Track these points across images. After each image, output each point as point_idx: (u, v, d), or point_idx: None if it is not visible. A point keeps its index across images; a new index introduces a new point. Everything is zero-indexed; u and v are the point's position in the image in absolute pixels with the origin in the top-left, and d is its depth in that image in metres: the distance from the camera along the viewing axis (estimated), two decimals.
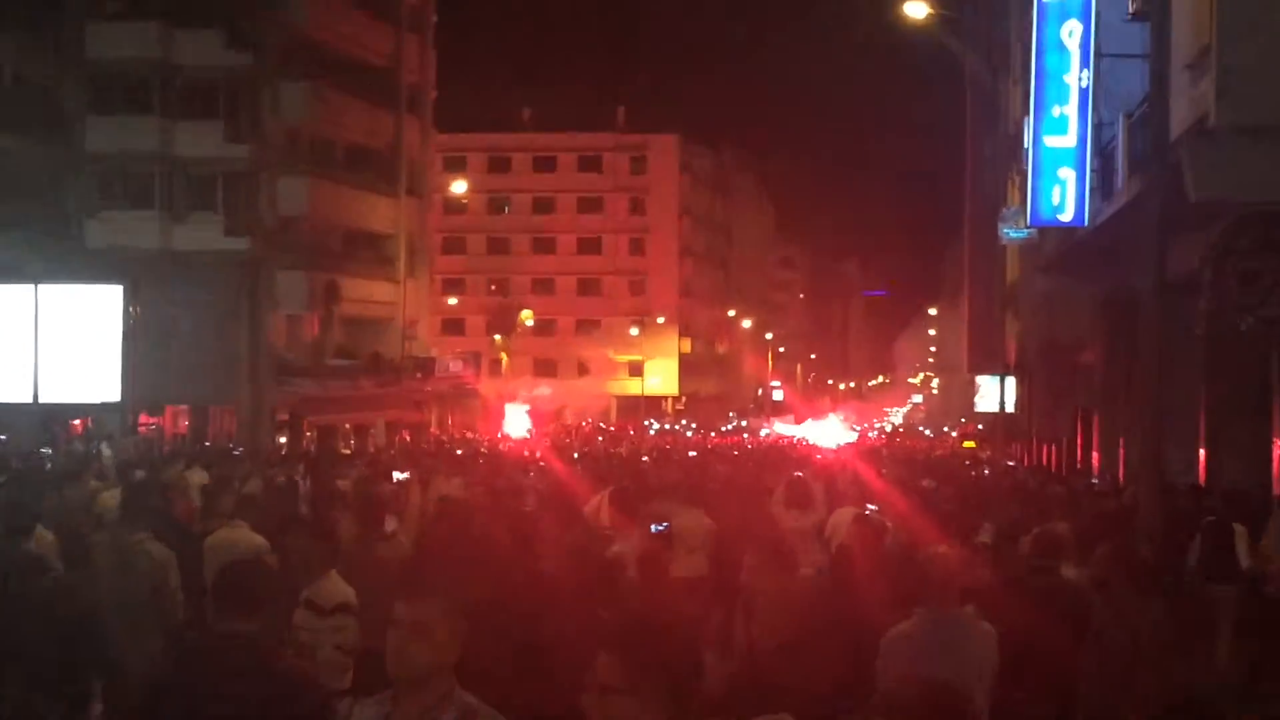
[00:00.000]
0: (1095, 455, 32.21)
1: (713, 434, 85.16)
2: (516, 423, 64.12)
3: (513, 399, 75.98)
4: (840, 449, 44.36)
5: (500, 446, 47.95)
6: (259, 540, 11.59)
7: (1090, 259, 26.33)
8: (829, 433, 54.57)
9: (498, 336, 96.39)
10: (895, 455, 41.84)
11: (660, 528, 11.97)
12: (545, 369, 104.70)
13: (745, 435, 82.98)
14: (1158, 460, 15.11)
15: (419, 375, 64.90)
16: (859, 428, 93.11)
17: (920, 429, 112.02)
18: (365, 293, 60.57)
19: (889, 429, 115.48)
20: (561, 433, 72.19)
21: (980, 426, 67.39)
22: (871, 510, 14.97)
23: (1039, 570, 9.89)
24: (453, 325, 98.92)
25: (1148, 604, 8.69)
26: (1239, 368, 20.90)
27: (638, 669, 3.91)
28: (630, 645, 3.99)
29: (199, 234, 51.35)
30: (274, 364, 52.35)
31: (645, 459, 31.89)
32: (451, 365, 73.70)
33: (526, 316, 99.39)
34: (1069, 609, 9.19)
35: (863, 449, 46.18)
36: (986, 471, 32.64)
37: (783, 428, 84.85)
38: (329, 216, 57.44)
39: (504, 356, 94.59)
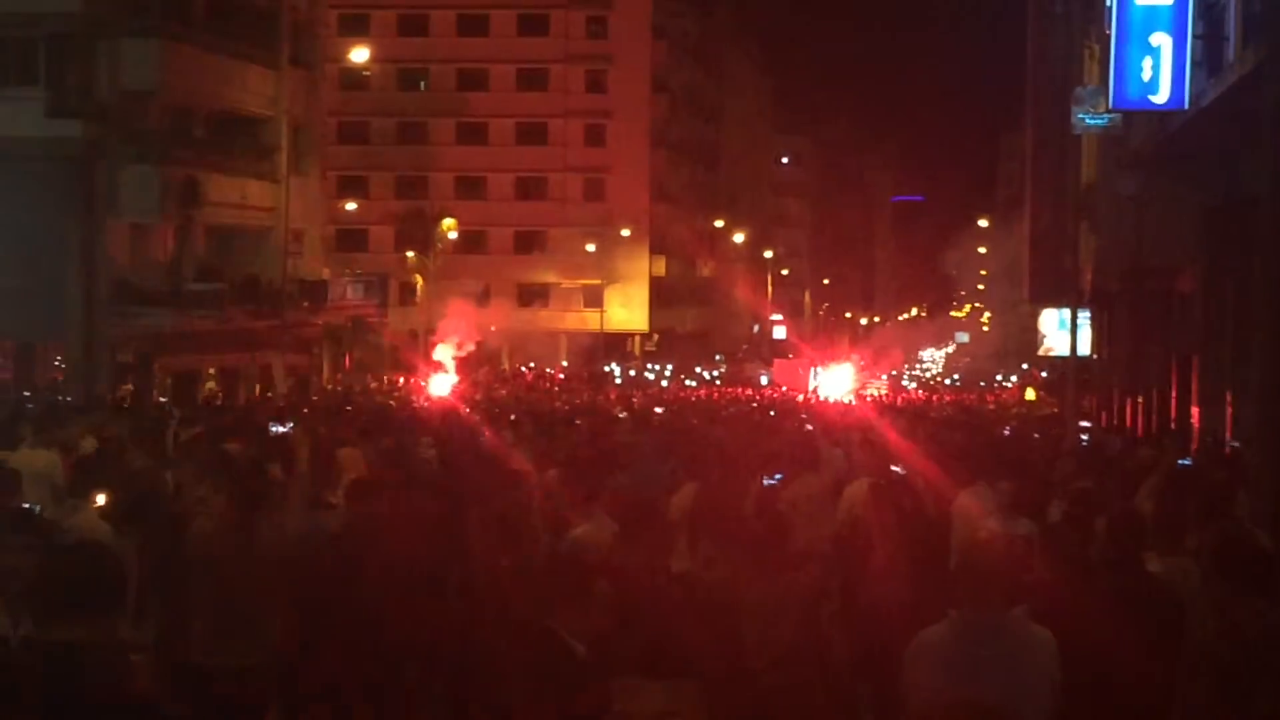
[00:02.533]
0: (1195, 411, 32.37)
1: (689, 383, 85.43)
2: (448, 369, 63.61)
3: (436, 340, 75.94)
4: (857, 406, 44.50)
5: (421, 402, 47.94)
6: (104, 527, 11.66)
7: (1191, 154, 26.35)
8: (841, 384, 54.51)
9: (411, 254, 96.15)
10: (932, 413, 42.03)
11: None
12: (473, 298, 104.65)
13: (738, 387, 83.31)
14: (1277, 418, 15.19)
15: (307, 304, 64.67)
16: (884, 377, 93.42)
17: (955, 379, 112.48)
18: (236, 194, 60.19)
19: (928, 376, 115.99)
20: (497, 382, 72.22)
21: (1045, 374, 67.71)
22: (897, 473, 15.08)
23: (1116, 562, 9.95)
24: (352, 238, 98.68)
25: (1263, 607, 8.74)
26: None
27: None
28: None
29: (13, 115, 50.89)
30: (114, 289, 52.10)
31: (618, 417, 31.89)
32: (350, 291, 73.43)
33: (449, 227, 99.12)
34: (1156, 612, 9.25)
35: (888, 406, 46.37)
36: (1056, 432, 32.82)
37: (780, 376, 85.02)
38: (188, 93, 57.02)
39: (419, 279, 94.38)
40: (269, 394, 52.76)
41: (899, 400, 64.75)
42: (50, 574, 5.59)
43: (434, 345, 64.91)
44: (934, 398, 74.85)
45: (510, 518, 10.32)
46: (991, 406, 60.10)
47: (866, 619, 9.38)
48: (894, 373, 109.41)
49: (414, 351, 79.98)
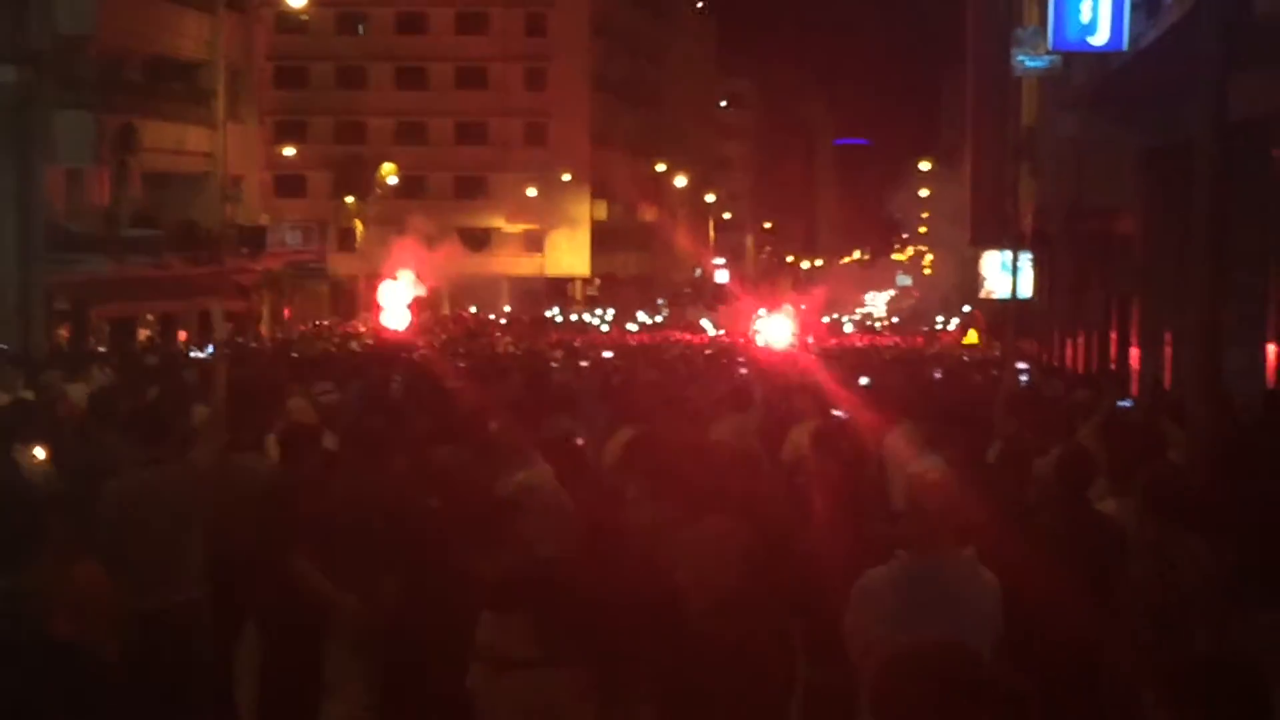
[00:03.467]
0: (1134, 353, 32.54)
1: (631, 327, 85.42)
2: (396, 310, 62.88)
3: (373, 280, 75.51)
4: (797, 350, 44.44)
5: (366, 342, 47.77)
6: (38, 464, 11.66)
7: (1131, 96, 26.41)
8: (781, 329, 54.30)
9: (350, 199, 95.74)
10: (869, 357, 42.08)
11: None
12: (412, 243, 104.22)
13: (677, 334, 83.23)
14: (1215, 360, 15.22)
15: (246, 250, 64.42)
16: (826, 320, 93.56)
17: (894, 321, 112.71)
18: (173, 140, 59.84)
19: (871, 322, 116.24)
20: (438, 327, 72.10)
21: (985, 317, 67.89)
22: (838, 417, 15.12)
23: (1063, 500, 9.95)
24: (290, 184, 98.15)
25: (1198, 547, 8.78)
26: None
27: None
28: None
29: None
30: (50, 234, 51.72)
31: (553, 364, 31.77)
32: (289, 237, 73.23)
33: (388, 172, 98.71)
34: (1101, 552, 9.26)
35: (829, 351, 46.40)
36: (995, 373, 32.92)
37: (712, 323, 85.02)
38: (123, 37, 56.58)
39: (358, 225, 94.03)
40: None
41: (840, 344, 64.82)
42: None
43: (377, 287, 64.66)
44: (875, 341, 75.02)
45: (445, 465, 10.31)
46: (931, 350, 60.25)
47: (807, 563, 9.36)
48: (835, 316, 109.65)
49: (354, 298, 79.77)
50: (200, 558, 10.87)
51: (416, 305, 64.80)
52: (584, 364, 30.49)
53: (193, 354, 22.09)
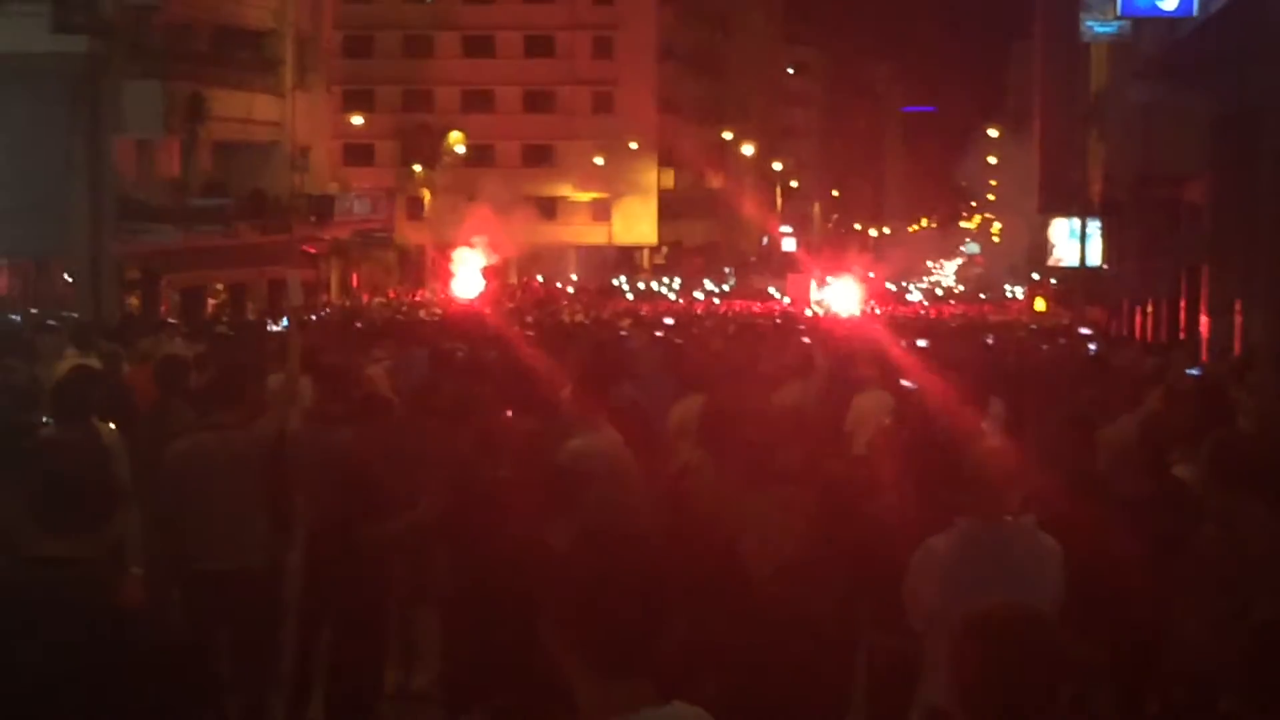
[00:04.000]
0: (1204, 321, 32.36)
1: (698, 295, 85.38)
2: (469, 278, 62.59)
3: (441, 248, 75.64)
4: (862, 318, 44.29)
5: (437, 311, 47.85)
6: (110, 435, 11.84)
7: (1201, 62, 26.22)
8: (846, 297, 54.04)
9: (418, 167, 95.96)
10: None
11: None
12: (480, 212, 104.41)
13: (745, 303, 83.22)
14: None
15: (314, 219, 64.64)
16: (893, 288, 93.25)
17: (962, 288, 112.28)
18: (241, 109, 60.06)
19: (939, 290, 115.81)
20: (507, 295, 72.24)
21: (1055, 283, 67.61)
22: (908, 387, 15.10)
23: (1150, 466, 9.94)
24: (358, 153, 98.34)
25: (1265, 516, 8.73)
26: None
27: None
28: None
29: (18, 30, 50.66)
30: (120, 204, 52.03)
31: (622, 333, 31.79)
32: (356, 206, 73.35)
33: (456, 141, 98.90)
34: (1183, 521, 9.22)
35: (896, 319, 46.25)
36: (1063, 342, 32.78)
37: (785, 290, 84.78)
38: (191, 6, 56.84)
39: (426, 194, 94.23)
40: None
41: (907, 313, 64.67)
42: (38, 485, 5.56)
43: (445, 255, 64.69)
44: (941, 309, 74.79)
45: (495, 432, 10.40)
46: (998, 318, 60.04)
47: (871, 531, 9.38)
48: (903, 284, 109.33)
49: (422, 266, 79.90)
50: (263, 526, 10.92)
51: (486, 274, 64.93)
52: (657, 334, 30.51)
53: (269, 327, 22.39)
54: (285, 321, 19.48)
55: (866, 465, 10.83)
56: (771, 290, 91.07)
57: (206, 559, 10.51)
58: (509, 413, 12.46)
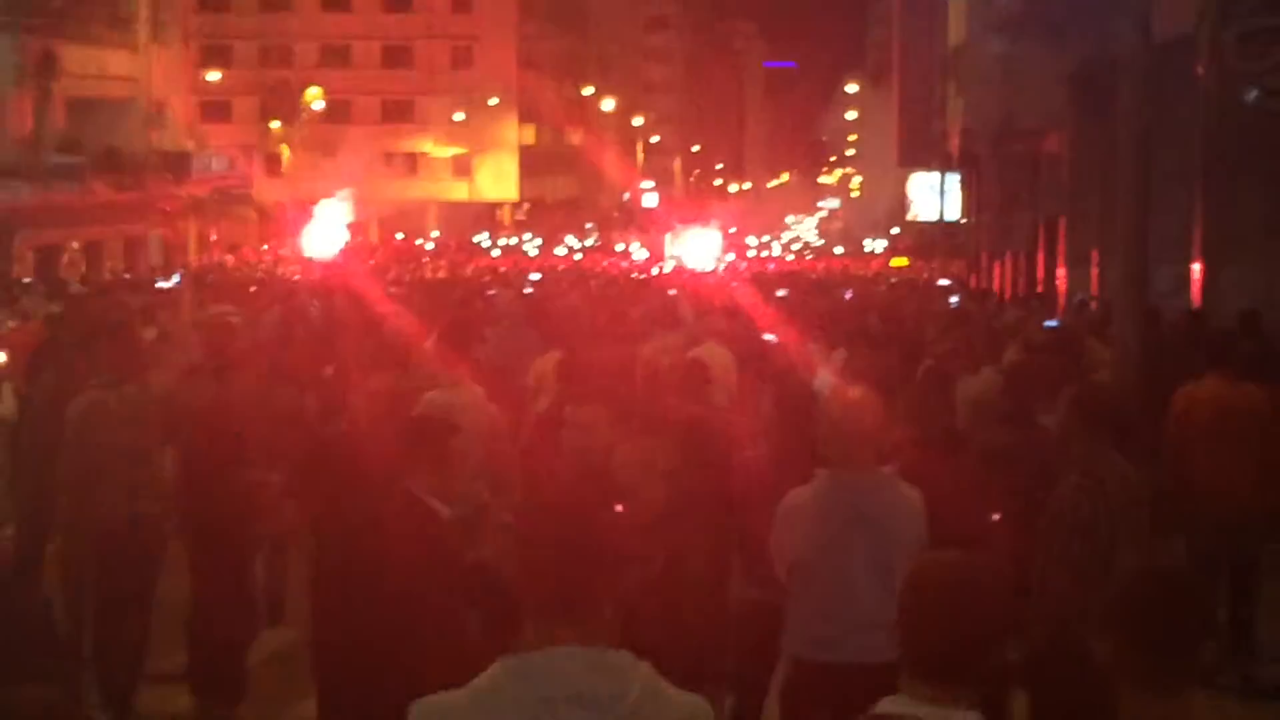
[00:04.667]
0: (1061, 273, 32.69)
1: (559, 251, 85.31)
2: (329, 235, 61.37)
3: (300, 205, 74.91)
4: (722, 273, 44.36)
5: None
6: None
7: (1058, 16, 26.40)
8: (705, 252, 53.88)
9: (276, 124, 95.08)
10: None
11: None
12: (339, 168, 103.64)
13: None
14: (1141, 278, 15.31)
15: (171, 176, 63.94)
16: (753, 242, 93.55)
17: (822, 243, 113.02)
18: (96, 65, 59.26)
19: (799, 245, 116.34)
20: (368, 252, 71.80)
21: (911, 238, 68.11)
22: (767, 340, 15.15)
23: (1011, 414, 10.03)
24: (215, 109, 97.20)
25: (1123, 464, 8.82)
26: (1243, 156, 21.19)
27: None
28: None
29: None
30: None
31: (491, 291, 31.68)
32: (215, 163, 72.63)
33: (314, 97, 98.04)
34: (1047, 470, 9.31)
35: (755, 274, 46.39)
36: (921, 295, 33.02)
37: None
38: None
39: (285, 150, 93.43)
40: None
41: (766, 268, 64.85)
42: None
43: (304, 212, 63.98)
44: (801, 264, 75.14)
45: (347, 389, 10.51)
46: (857, 273, 60.42)
47: (735, 481, 9.40)
48: (764, 239, 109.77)
49: (282, 224, 79.11)
50: (162, 475, 11.19)
51: (349, 231, 64.28)
52: (526, 291, 30.48)
53: (159, 284, 22.39)
54: (177, 278, 19.47)
55: (726, 417, 10.88)
56: (629, 248, 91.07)
57: (108, 510, 10.67)
58: (366, 370, 12.47)
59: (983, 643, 4.25)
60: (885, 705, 4.26)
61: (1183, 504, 11.94)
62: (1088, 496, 8.62)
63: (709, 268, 47.91)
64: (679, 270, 49.52)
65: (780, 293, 23.28)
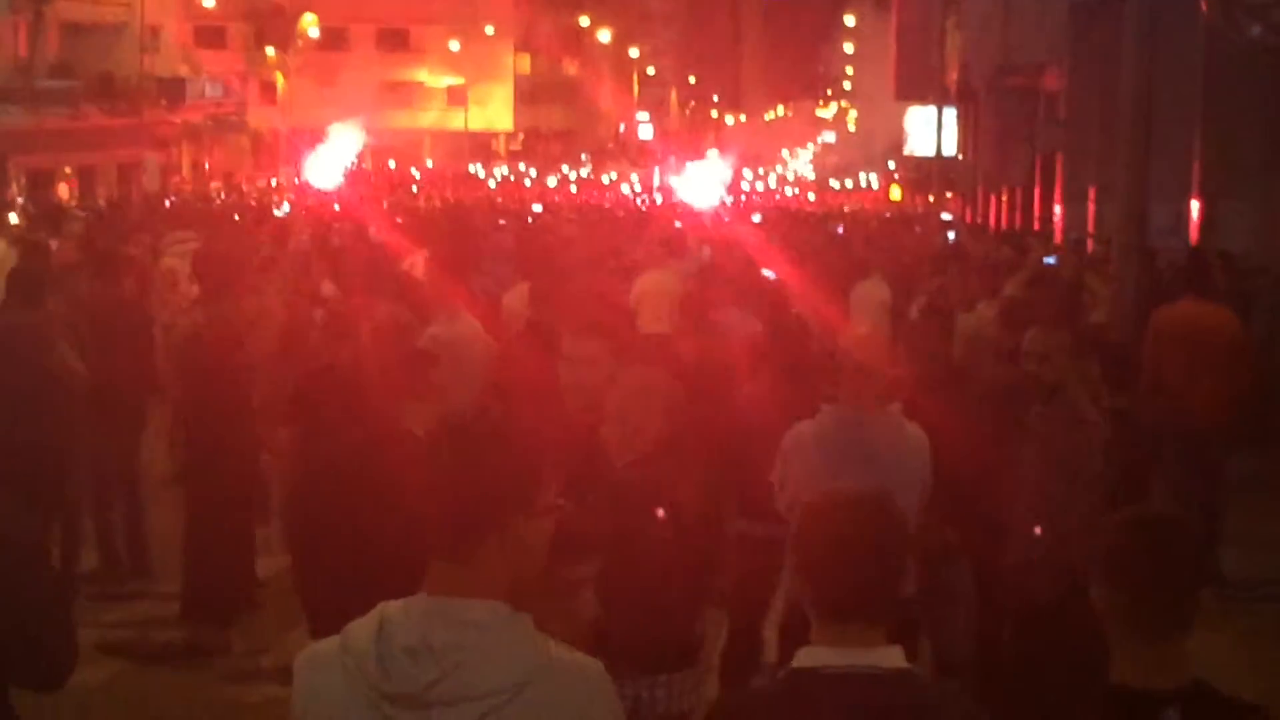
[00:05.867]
0: (1058, 209, 32.65)
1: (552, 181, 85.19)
2: (334, 162, 60.85)
3: (294, 133, 74.68)
4: (719, 206, 44.04)
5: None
6: None
7: None
8: (702, 185, 53.47)
9: (270, 51, 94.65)
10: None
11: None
12: (335, 97, 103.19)
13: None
14: (1140, 216, 15.29)
15: (164, 102, 63.75)
16: (749, 175, 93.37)
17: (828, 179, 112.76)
18: None
19: (795, 179, 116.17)
20: (362, 181, 71.61)
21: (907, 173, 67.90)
22: (767, 278, 15.15)
23: (1011, 355, 10.04)
24: (209, 35, 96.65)
25: (1121, 403, 8.84)
26: (1243, 93, 21.14)
27: None
28: None
29: None
30: None
31: (501, 221, 31.66)
32: (208, 89, 72.40)
33: (308, 24, 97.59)
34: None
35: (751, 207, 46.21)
36: (918, 230, 33.01)
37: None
38: None
39: (279, 78, 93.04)
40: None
41: (762, 202, 64.76)
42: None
43: (299, 139, 63.80)
44: (798, 198, 75.04)
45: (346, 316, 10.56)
46: (852, 207, 60.35)
47: (736, 415, 9.40)
48: (760, 172, 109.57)
49: (275, 151, 78.94)
50: (61, 401, 11.38)
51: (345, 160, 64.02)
52: (528, 220, 30.49)
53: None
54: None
55: (727, 349, 10.86)
56: (626, 179, 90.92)
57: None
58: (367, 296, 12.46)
59: (887, 577, 4.20)
60: (803, 658, 4.19)
61: (1156, 412, 12.22)
62: (1064, 429, 8.69)
63: (712, 203, 47.41)
64: (674, 204, 49.34)
65: (755, 217, 23.25)
